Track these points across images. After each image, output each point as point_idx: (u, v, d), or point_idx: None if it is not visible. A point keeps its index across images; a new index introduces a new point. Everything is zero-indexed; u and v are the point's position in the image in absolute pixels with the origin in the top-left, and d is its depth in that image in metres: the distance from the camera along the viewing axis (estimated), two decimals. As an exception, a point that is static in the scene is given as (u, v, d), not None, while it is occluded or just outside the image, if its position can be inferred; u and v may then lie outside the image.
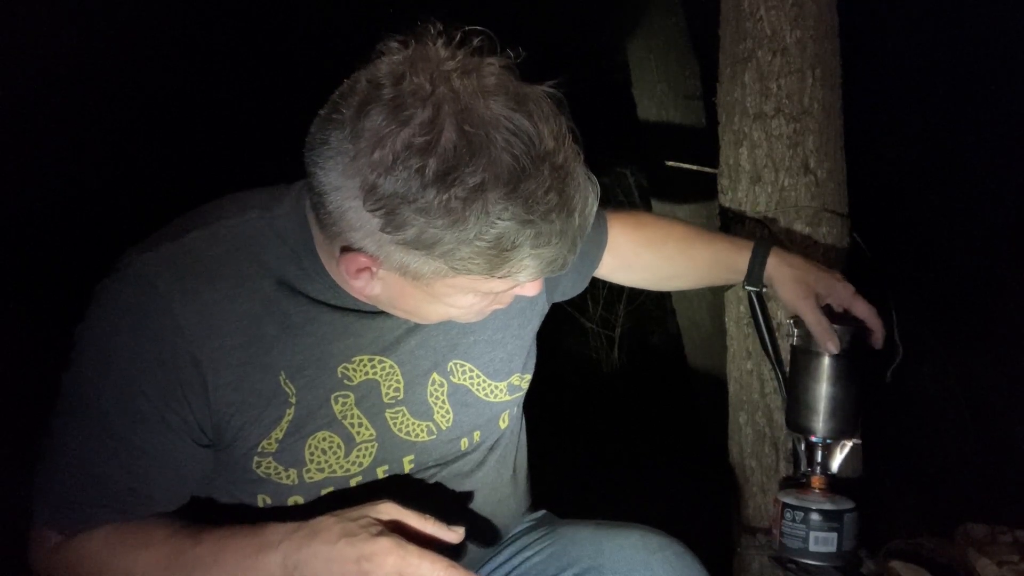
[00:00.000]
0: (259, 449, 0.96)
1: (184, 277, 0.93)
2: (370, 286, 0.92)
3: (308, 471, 0.98)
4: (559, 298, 1.27)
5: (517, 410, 1.19)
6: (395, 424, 1.04)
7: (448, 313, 0.96)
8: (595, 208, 0.89)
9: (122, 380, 0.92)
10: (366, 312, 1.01)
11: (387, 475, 1.04)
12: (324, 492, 1.00)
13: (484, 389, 1.11)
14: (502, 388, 1.12)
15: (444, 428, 1.07)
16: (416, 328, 1.05)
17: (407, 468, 1.05)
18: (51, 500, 0.96)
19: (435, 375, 1.07)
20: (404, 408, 1.04)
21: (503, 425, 1.15)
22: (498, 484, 1.15)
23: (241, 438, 0.96)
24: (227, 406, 0.94)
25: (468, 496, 1.11)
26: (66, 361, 0.95)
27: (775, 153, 1.59)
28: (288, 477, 0.98)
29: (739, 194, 1.63)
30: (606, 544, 1.06)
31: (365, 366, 1.02)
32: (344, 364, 1.00)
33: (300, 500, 0.99)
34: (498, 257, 0.84)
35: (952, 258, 2.99)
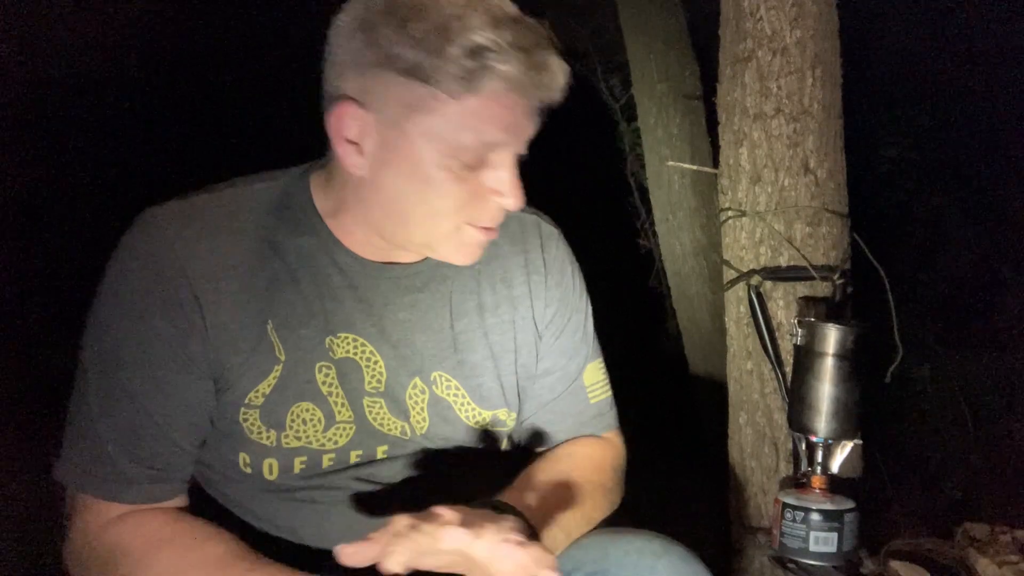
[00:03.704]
0: (246, 400, 1.00)
1: (188, 226, 1.00)
2: (359, 140, 0.96)
3: (286, 436, 1.01)
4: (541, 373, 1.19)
5: (505, 447, 1.16)
6: (371, 413, 1.05)
7: (426, 200, 0.97)
8: (567, 74, 0.96)
9: (137, 321, 0.97)
10: (356, 283, 1.05)
11: (359, 460, 1.05)
12: (298, 461, 1.02)
13: (466, 411, 1.10)
14: (486, 417, 1.11)
15: (419, 433, 1.07)
16: (404, 324, 1.07)
17: (379, 456, 1.06)
18: (83, 460, 0.98)
19: (417, 380, 1.07)
20: (383, 400, 1.06)
21: (481, 454, 1.13)
22: (474, 489, 1.14)
23: (233, 382, 1.00)
24: (223, 345, 0.99)
25: (441, 491, 1.09)
26: (87, 317, 1.01)
27: (775, 153, 1.59)
28: (267, 438, 1.01)
29: (739, 194, 1.63)
30: (611, 549, 1.06)
31: (349, 344, 1.04)
32: (330, 336, 1.03)
33: (275, 464, 1.01)
34: (465, 62, 0.90)
35: (952, 258, 2.99)
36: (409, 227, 1.00)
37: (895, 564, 1.49)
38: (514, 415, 1.15)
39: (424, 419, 1.07)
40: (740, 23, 1.61)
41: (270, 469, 1.02)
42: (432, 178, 0.96)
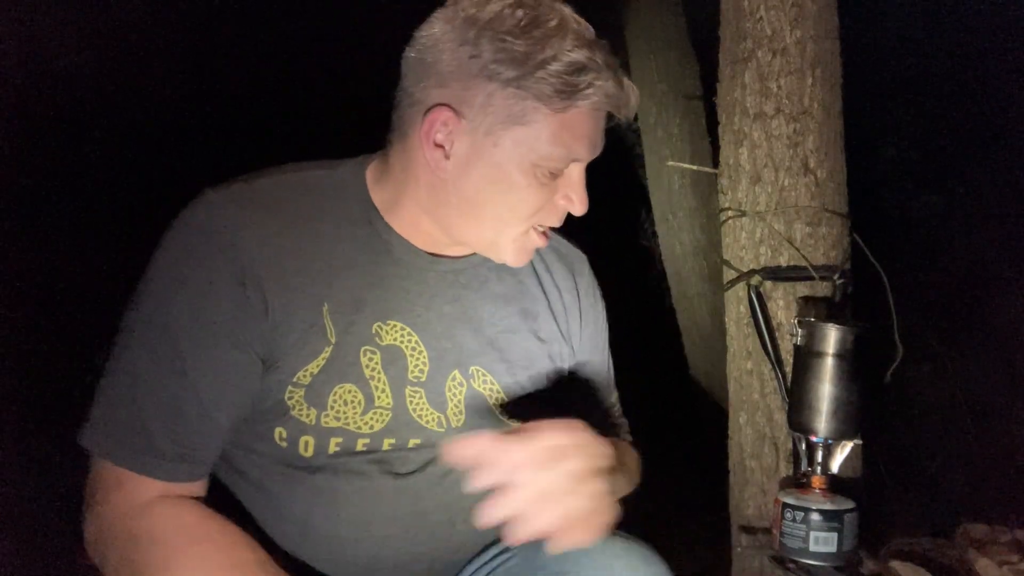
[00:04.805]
0: (294, 379, 1.02)
1: (251, 208, 1.03)
2: (447, 144, 1.01)
3: (326, 416, 1.03)
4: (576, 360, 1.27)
5: None
6: (411, 403, 1.08)
7: (506, 203, 1.03)
8: (637, 97, 1.05)
9: (195, 298, 0.98)
10: (406, 273, 1.08)
11: (391, 448, 1.06)
12: (334, 441, 1.04)
13: (500, 407, 1.13)
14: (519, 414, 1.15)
15: (454, 426, 1.10)
16: (448, 317, 1.10)
17: (410, 446, 1.08)
18: (117, 430, 0.98)
19: (457, 372, 1.11)
20: (423, 391, 1.08)
21: None
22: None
23: (283, 361, 1.01)
24: (280, 325, 1.01)
25: (458, 498, 1.11)
26: (138, 289, 1.01)
27: (775, 153, 1.59)
28: (308, 416, 1.03)
29: (739, 194, 1.63)
30: (574, 549, 1.07)
31: (397, 332, 1.07)
32: (379, 322, 1.06)
33: (311, 441, 1.03)
34: (569, 78, 0.97)
35: (952, 258, 2.99)
36: (483, 226, 1.06)
37: (895, 564, 1.49)
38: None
39: (461, 412, 1.10)
40: (740, 23, 1.61)
41: (306, 446, 1.03)
42: (516, 184, 1.02)
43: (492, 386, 1.12)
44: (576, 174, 1.06)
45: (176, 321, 0.98)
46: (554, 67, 0.97)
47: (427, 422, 1.08)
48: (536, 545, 1.11)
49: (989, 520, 1.61)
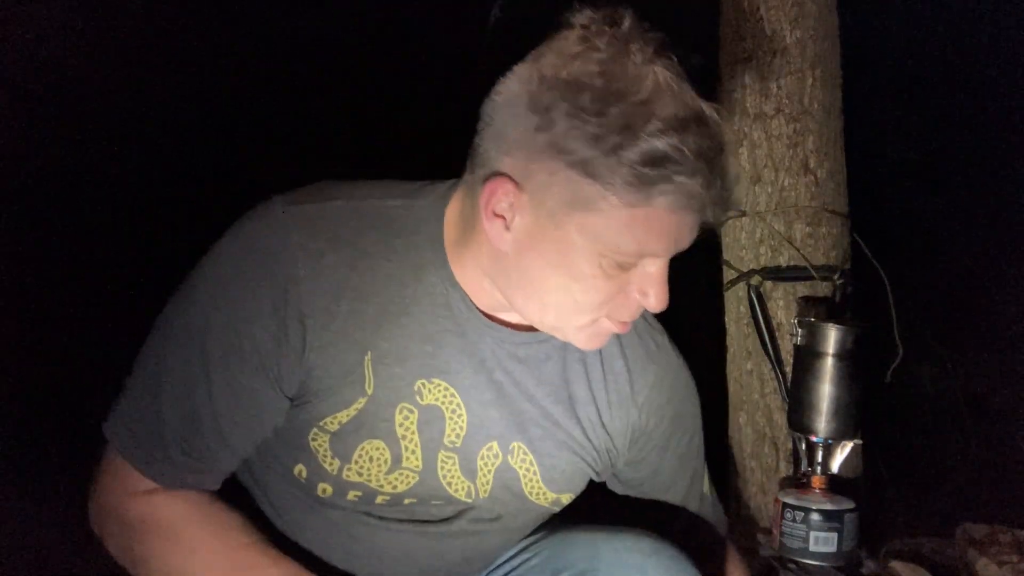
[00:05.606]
0: (321, 423, 0.97)
1: (316, 236, 0.95)
2: (508, 215, 0.92)
3: (348, 469, 0.99)
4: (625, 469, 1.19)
5: (553, 517, 1.17)
6: (442, 469, 1.03)
7: (569, 292, 0.93)
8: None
9: (235, 320, 0.94)
10: (462, 332, 1.01)
11: (410, 505, 1.04)
12: (352, 493, 1.01)
13: (532, 486, 1.08)
14: (549, 498, 1.10)
15: (480, 496, 1.06)
16: (497, 386, 1.04)
17: (430, 505, 1.05)
18: (136, 430, 0.96)
19: (495, 444, 1.05)
20: (456, 457, 1.03)
21: (529, 517, 1.13)
22: (509, 540, 1.15)
23: (312, 403, 0.97)
24: (316, 368, 0.96)
25: (477, 543, 1.10)
26: (186, 284, 0.98)
27: (775, 153, 1.59)
28: (331, 465, 0.99)
29: (739, 194, 1.63)
30: (602, 547, 1.05)
31: (440, 392, 1.01)
32: (422, 380, 1.00)
33: (328, 488, 1.00)
34: (643, 169, 0.83)
35: (952, 258, 2.99)
36: (545, 310, 0.96)
37: (895, 564, 1.49)
38: (574, 497, 1.14)
39: (488, 482, 1.05)
40: (740, 23, 1.61)
41: (323, 491, 1.01)
42: (580, 272, 0.91)
43: (531, 467, 1.07)
44: (654, 268, 0.92)
45: (211, 335, 0.94)
46: (628, 155, 0.83)
47: (455, 490, 1.04)
48: (562, 543, 1.11)
49: (989, 520, 1.61)
